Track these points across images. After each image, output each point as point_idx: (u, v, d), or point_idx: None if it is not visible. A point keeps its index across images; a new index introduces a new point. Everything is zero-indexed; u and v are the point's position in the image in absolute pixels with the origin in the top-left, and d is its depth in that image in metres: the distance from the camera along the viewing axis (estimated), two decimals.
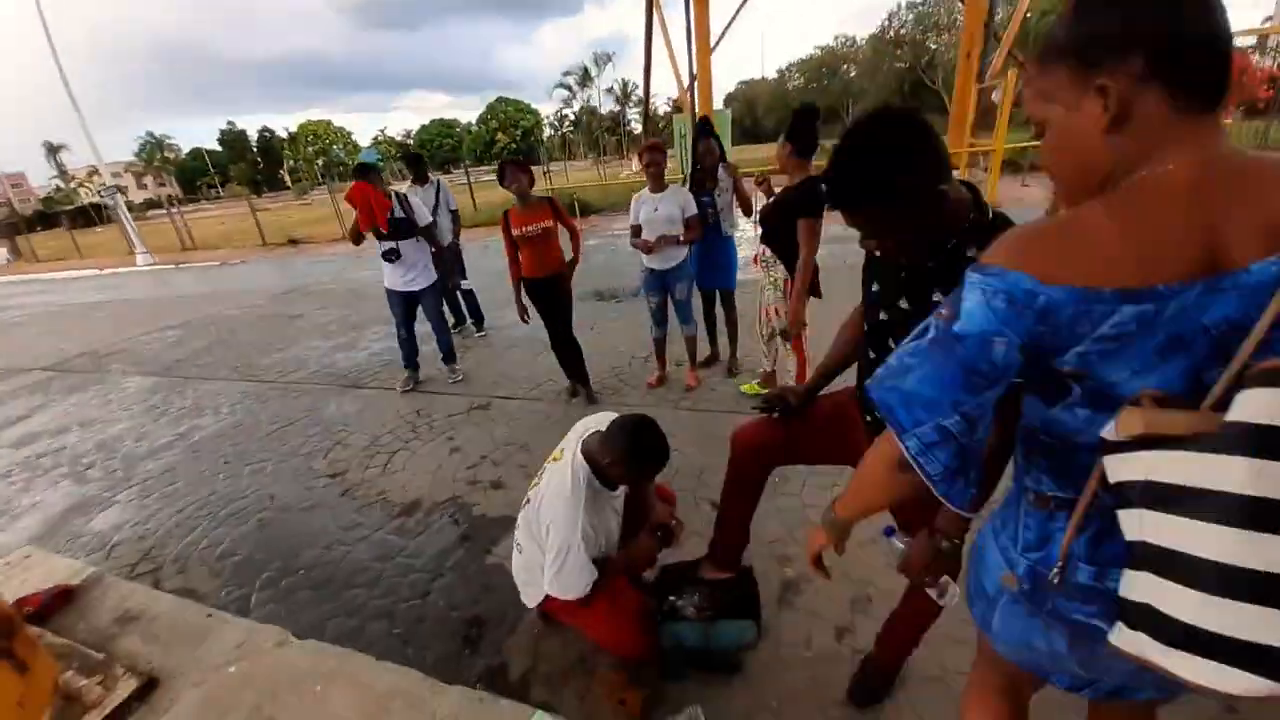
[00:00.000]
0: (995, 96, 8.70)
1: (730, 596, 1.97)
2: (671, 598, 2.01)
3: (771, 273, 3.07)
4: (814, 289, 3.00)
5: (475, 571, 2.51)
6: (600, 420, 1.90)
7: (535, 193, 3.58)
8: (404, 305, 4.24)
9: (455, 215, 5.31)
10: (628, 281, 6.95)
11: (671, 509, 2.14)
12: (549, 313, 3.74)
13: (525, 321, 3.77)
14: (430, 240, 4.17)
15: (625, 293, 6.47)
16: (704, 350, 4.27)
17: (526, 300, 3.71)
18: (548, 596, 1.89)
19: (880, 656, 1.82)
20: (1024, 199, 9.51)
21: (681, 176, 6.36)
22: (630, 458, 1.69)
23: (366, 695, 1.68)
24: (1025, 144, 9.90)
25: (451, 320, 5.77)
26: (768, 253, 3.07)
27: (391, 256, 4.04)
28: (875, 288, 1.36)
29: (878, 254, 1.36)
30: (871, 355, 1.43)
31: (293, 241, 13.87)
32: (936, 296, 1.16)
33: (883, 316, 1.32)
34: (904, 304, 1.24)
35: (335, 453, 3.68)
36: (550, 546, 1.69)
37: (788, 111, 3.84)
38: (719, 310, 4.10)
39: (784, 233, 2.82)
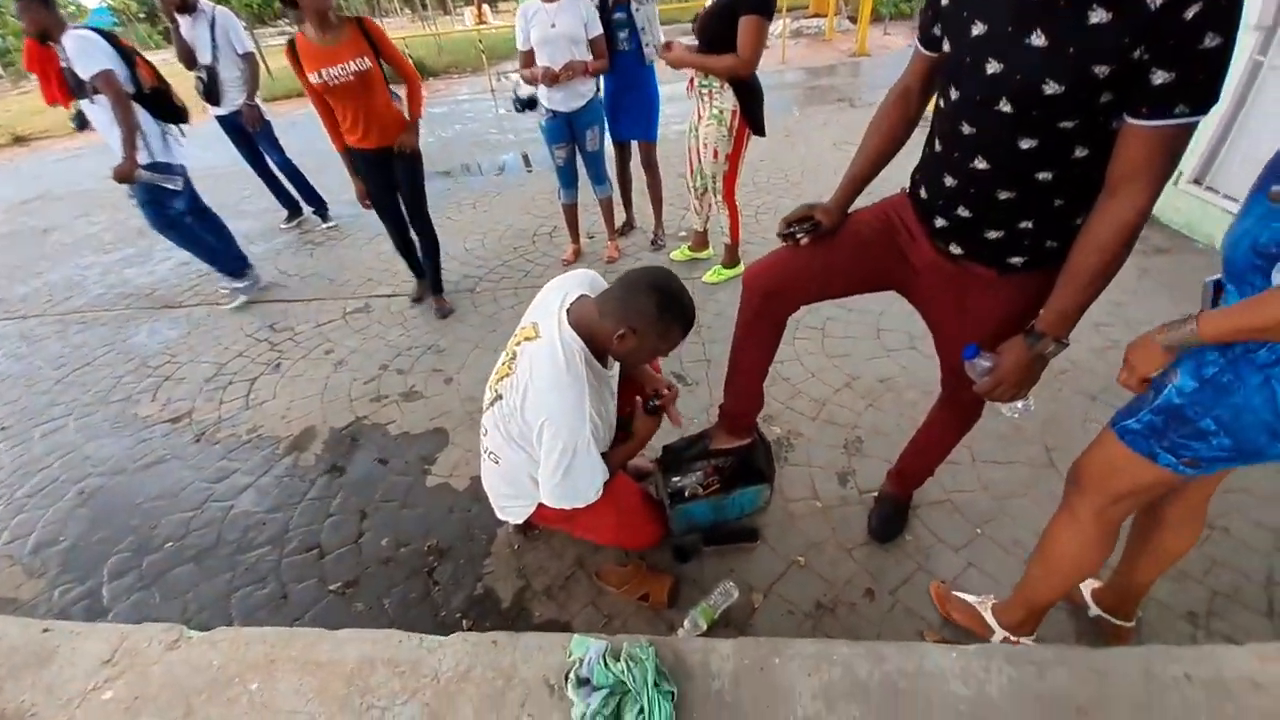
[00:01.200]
0: None
1: (739, 463, 1.77)
2: (675, 479, 1.77)
3: (715, 103, 2.60)
4: (755, 122, 2.62)
5: (416, 498, 2.06)
6: (579, 281, 1.47)
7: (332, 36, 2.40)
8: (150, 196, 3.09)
9: (250, 63, 3.92)
10: (494, 151, 6.01)
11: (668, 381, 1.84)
12: (390, 195, 2.82)
13: (367, 206, 2.83)
14: (118, 104, 2.80)
15: (492, 166, 5.59)
16: (620, 217, 3.79)
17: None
18: (539, 508, 1.54)
19: (896, 490, 1.77)
20: (889, 46, 9.65)
21: None
22: (665, 322, 1.30)
23: (331, 677, 1.27)
24: None
25: (285, 215, 4.62)
26: (706, 76, 2.58)
27: (88, 125, 2.96)
28: (979, 28, 0.99)
29: None
30: (940, 146, 1.14)
31: (18, 139, 10.38)
32: (1097, 18, 0.84)
33: (992, 70, 0.97)
34: (1039, 39, 0.91)
35: (166, 390, 2.82)
36: (549, 449, 1.31)
37: None
38: (635, 169, 3.52)
39: (726, 45, 2.35)
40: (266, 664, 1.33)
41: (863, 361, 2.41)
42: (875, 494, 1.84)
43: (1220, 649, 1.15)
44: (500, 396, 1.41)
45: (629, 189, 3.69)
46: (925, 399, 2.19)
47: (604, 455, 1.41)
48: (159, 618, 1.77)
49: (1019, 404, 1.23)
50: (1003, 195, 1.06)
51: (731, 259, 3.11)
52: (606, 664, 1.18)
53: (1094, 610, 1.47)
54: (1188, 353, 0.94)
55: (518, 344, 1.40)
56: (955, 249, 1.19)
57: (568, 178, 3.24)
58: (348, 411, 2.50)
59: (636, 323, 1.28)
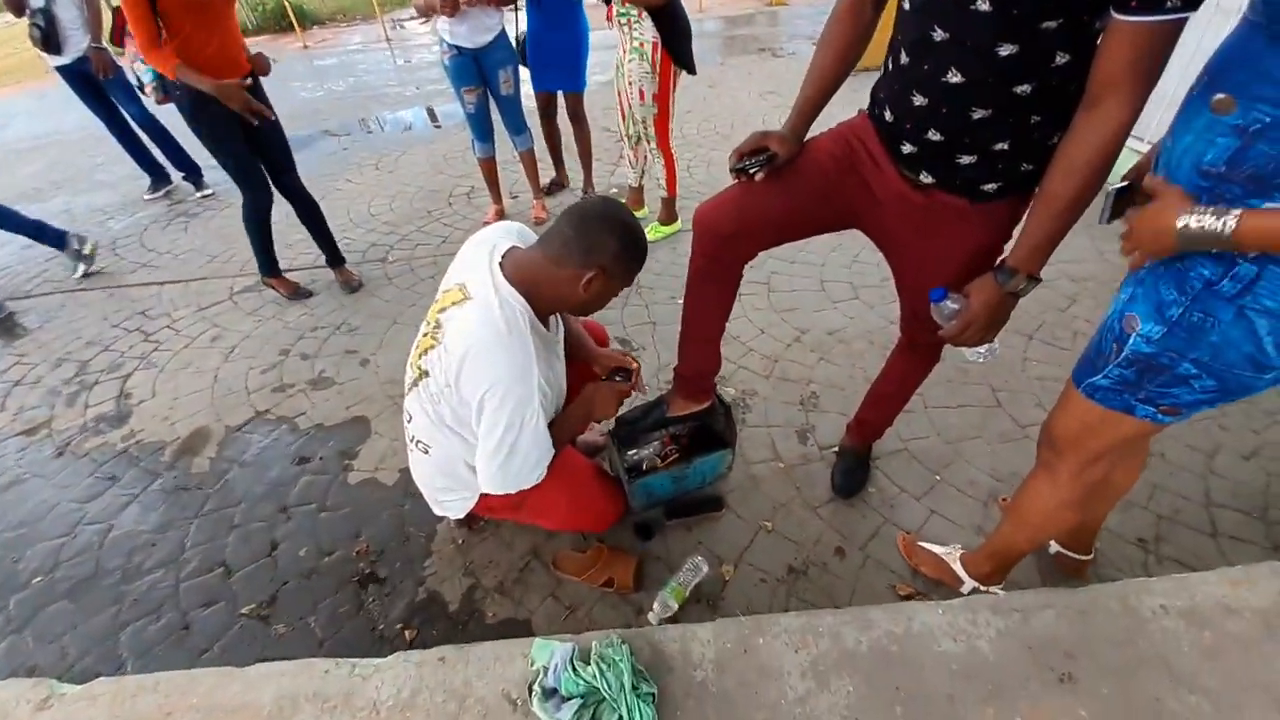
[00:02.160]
0: None
1: (698, 430, 1.66)
2: (631, 453, 1.63)
3: (635, 34, 2.37)
4: (680, 57, 2.42)
5: (338, 498, 1.81)
6: (505, 232, 1.28)
7: None
8: None
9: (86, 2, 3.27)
10: (394, 106, 5.45)
11: (622, 350, 1.68)
12: (248, 149, 2.34)
13: (253, 120, 2.24)
14: None
15: (394, 123, 5.07)
16: (547, 175, 3.51)
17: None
18: (482, 498, 1.36)
19: (856, 443, 1.72)
20: None
21: None
22: (628, 255, 1.17)
23: None
24: None
25: (149, 184, 3.98)
26: (623, 3, 2.34)
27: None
28: None
29: None
30: (906, 59, 1.01)
31: None
32: None
33: None
34: None
35: (17, 398, 2.36)
36: (490, 426, 1.12)
37: None
38: (564, 125, 3.25)
39: None
40: (160, 715, 1.10)
41: (810, 314, 2.35)
42: (836, 449, 1.79)
43: (1192, 577, 1.16)
44: (426, 374, 1.21)
45: (558, 145, 3.41)
46: (872, 349, 2.17)
47: (550, 427, 1.24)
48: (35, 667, 1.47)
49: (983, 348, 1.16)
50: (978, 114, 0.96)
51: (669, 215, 2.95)
52: (575, 669, 1.05)
53: (1054, 547, 1.48)
54: (1140, 292, 0.85)
55: (441, 311, 1.19)
56: (926, 177, 1.08)
57: (481, 127, 2.92)
58: (246, 406, 2.18)
59: (604, 260, 1.12)
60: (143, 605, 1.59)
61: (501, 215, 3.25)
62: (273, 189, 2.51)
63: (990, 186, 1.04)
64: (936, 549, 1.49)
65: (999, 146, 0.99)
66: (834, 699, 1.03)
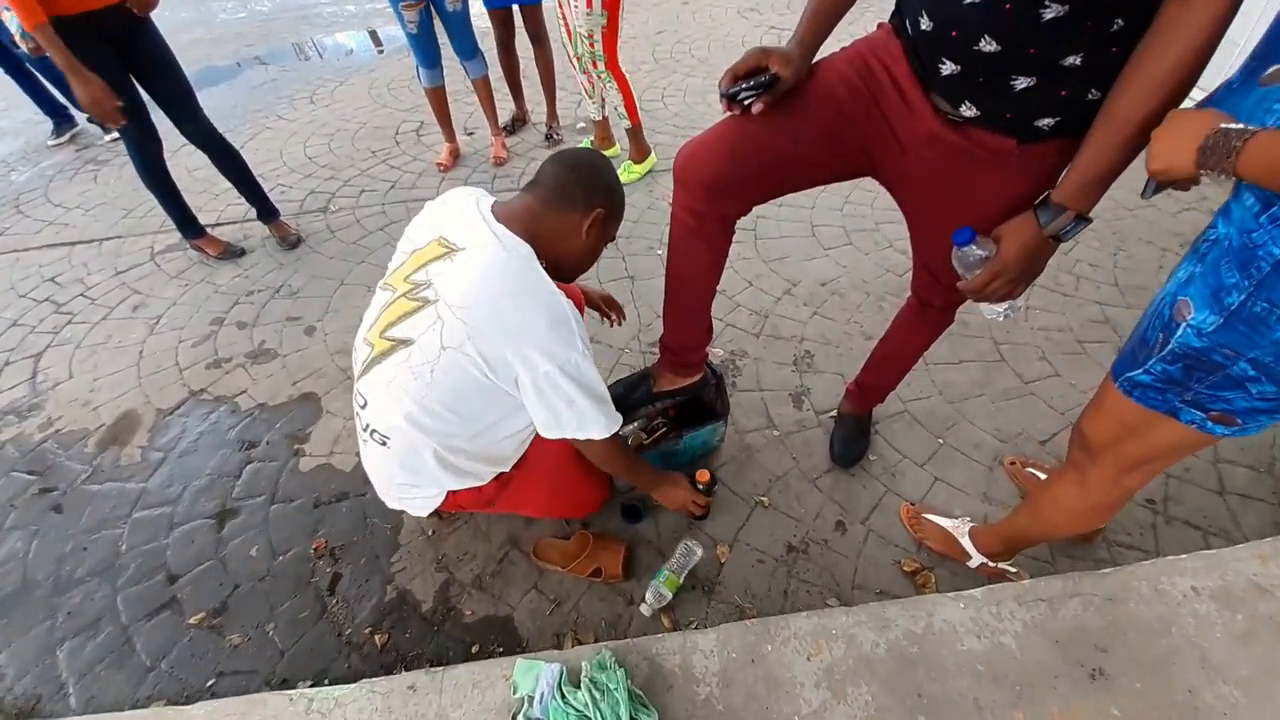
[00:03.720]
0: None
1: (688, 403, 1.51)
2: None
3: None
4: None
5: (290, 488, 1.63)
6: (467, 193, 1.07)
7: None
8: None
9: None
10: (329, 28, 4.85)
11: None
12: (131, 91, 1.98)
13: (120, 120, 1.90)
14: None
15: (331, 48, 4.51)
16: (507, 111, 3.15)
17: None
18: (450, 494, 1.21)
19: (856, 409, 1.60)
20: None
21: None
22: (619, 198, 1.12)
23: None
24: None
25: (52, 127, 3.49)
26: None
27: None
28: None
29: None
30: None
31: None
32: None
33: None
34: None
35: None
36: (549, 389, 0.98)
37: None
38: (525, 51, 2.88)
39: None
40: None
41: (801, 263, 2.17)
42: (833, 414, 1.67)
43: (1222, 554, 1.09)
44: (403, 343, 1.01)
45: (517, 75, 3.03)
46: (869, 301, 2.02)
47: None
48: None
49: (1004, 305, 0.98)
50: (1050, 11, 0.74)
51: (640, 149, 2.67)
52: (564, 697, 0.93)
53: None
54: (1199, 272, 0.71)
55: (416, 271, 1.01)
56: (968, 109, 0.87)
57: (426, 50, 2.55)
58: (178, 385, 1.94)
59: (604, 201, 1.05)
60: (79, 619, 1.42)
61: (456, 155, 2.92)
62: (159, 136, 2.15)
63: (1046, 122, 0.84)
64: (943, 521, 1.40)
65: (1069, 61, 0.77)
66: (852, 711, 0.94)
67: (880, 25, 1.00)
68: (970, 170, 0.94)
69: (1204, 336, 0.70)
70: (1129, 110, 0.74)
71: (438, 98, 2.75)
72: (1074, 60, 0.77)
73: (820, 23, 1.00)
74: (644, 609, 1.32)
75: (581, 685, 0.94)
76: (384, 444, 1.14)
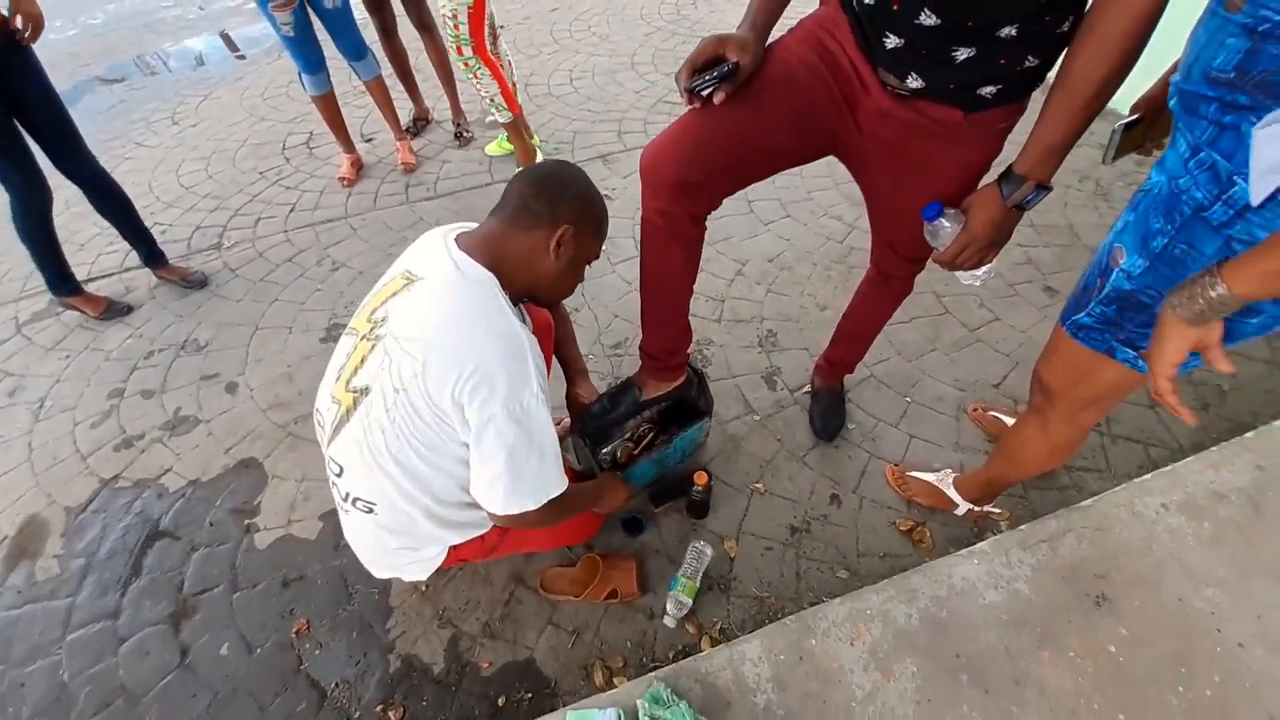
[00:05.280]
0: None
1: (673, 406, 1.48)
2: (604, 451, 1.43)
3: None
4: None
5: (249, 570, 1.47)
6: (447, 227, 0.99)
7: None
8: None
9: None
10: (179, 35, 4.26)
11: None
12: (5, 123, 1.68)
13: None
14: None
15: (183, 57, 3.98)
16: (406, 111, 2.90)
17: None
18: (452, 549, 1.13)
19: (828, 382, 1.64)
20: None
21: None
22: (595, 213, 1.02)
23: None
24: None
25: None
26: None
27: None
28: None
29: None
30: None
31: None
32: None
33: None
34: None
35: None
36: (481, 424, 0.87)
37: None
38: (404, 40, 2.64)
39: None
40: None
41: (745, 242, 2.18)
42: (807, 390, 1.70)
43: (1178, 468, 1.21)
44: (364, 392, 0.92)
45: (408, 67, 2.78)
46: (817, 271, 2.07)
47: None
48: None
49: (981, 270, 1.05)
50: None
51: (525, 151, 2.47)
52: None
53: None
54: (1132, 221, 0.78)
55: (378, 309, 0.94)
56: (914, 81, 0.89)
57: (307, 55, 2.28)
58: (85, 476, 1.68)
59: (570, 215, 0.95)
60: None
61: (359, 166, 2.68)
62: (47, 183, 1.84)
63: (988, 90, 0.88)
64: (927, 476, 1.47)
65: (1005, 32, 0.80)
66: (902, 685, 0.97)
67: (824, 1, 1.00)
68: (923, 144, 0.97)
69: (1133, 279, 0.77)
70: (1084, 75, 0.77)
71: (327, 105, 2.50)
72: (1009, 31, 0.79)
73: (771, 5, 0.99)
74: (668, 621, 1.30)
75: None
76: (370, 511, 1.04)
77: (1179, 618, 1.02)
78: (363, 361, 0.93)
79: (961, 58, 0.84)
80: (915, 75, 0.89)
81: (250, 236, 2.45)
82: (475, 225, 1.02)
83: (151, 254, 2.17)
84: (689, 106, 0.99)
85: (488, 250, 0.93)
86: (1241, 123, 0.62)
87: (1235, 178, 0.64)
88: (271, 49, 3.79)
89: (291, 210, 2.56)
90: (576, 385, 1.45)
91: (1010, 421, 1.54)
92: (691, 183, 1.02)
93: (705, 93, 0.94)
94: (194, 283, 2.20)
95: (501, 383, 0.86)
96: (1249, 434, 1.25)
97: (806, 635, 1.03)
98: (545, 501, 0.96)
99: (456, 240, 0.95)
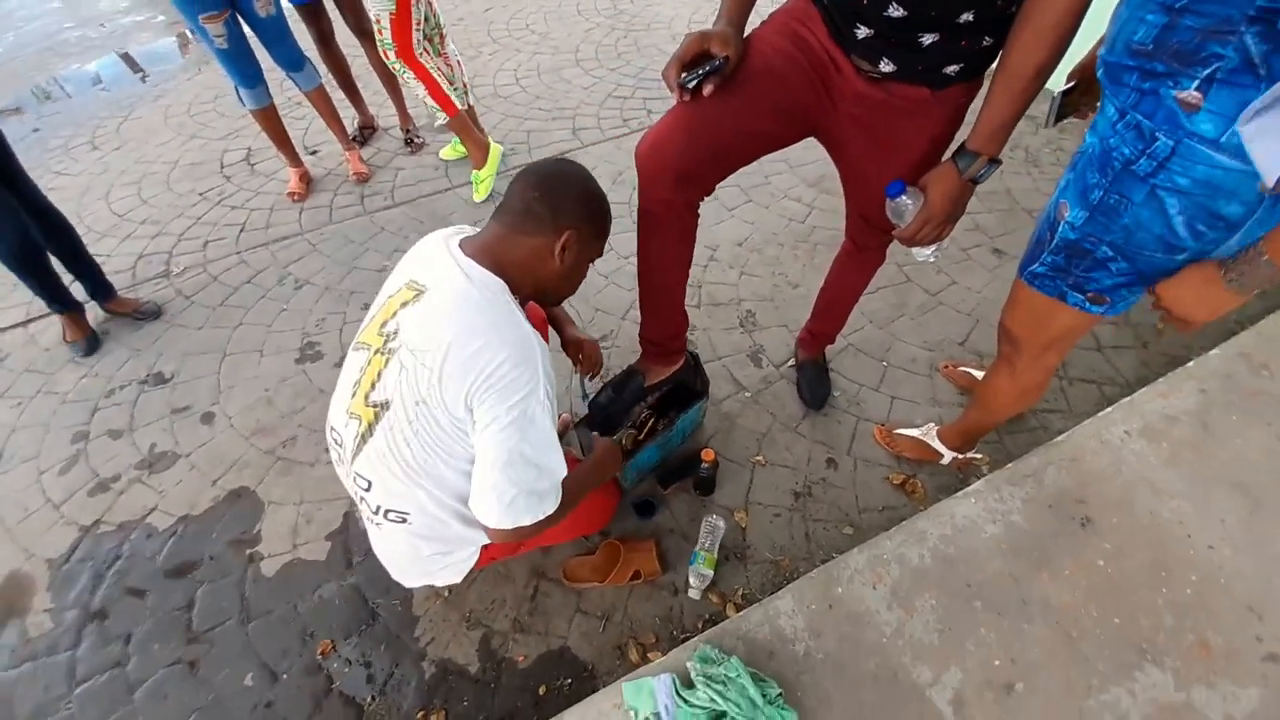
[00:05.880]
0: None
1: (672, 390, 1.53)
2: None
3: None
4: None
5: (261, 599, 1.43)
6: (448, 231, 0.99)
7: None
8: None
9: None
10: (83, 57, 3.96)
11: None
12: None
13: None
14: None
15: (87, 80, 3.71)
16: (350, 119, 2.79)
17: None
18: (483, 548, 1.14)
19: (812, 354, 1.73)
20: None
21: None
22: (598, 214, 1.03)
23: None
24: None
25: None
26: None
27: None
28: None
29: None
30: None
31: None
32: None
33: None
34: None
35: None
36: (487, 423, 0.88)
37: None
38: (343, 47, 2.57)
39: None
40: None
41: (713, 228, 2.25)
42: (792, 364, 1.79)
43: (1134, 399, 1.35)
44: (384, 406, 0.93)
45: (347, 73, 2.69)
46: (784, 251, 2.16)
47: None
48: None
49: (932, 247, 1.12)
50: None
51: (479, 153, 2.43)
52: (686, 700, 0.95)
53: None
54: (1072, 178, 0.89)
55: (387, 321, 0.95)
56: (886, 65, 0.98)
57: (242, 67, 2.19)
58: (62, 525, 1.58)
59: (575, 220, 0.96)
60: None
61: (307, 180, 2.59)
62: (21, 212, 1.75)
63: (952, 69, 0.97)
64: (911, 432, 1.58)
65: (964, 18, 0.89)
66: (924, 618, 1.06)
67: None
68: (894, 121, 1.05)
69: (1076, 229, 0.88)
70: (1022, 62, 0.86)
71: (269, 120, 2.40)
72: (968, 17, 0.89)
73: (743, 1, 1.05)
74: (692, 593, 1.36)
75: (696, 684, 0.96)
76: (403, 521, 1.04)
77: (1153, 530, 1.15)
78: (379, 376, 0.94)
79: (928, 42, 0.92)
80: (887, 60, 0.97)
81: (201, 261, 2.33)
82: (474, 229, 1.03)
83: (97, 287, 2.04)
84: (679, 100, 1.04)
85: (493, 255, 0.95)
86: (1160, 87, 0.71)
87: (1156, 134, 0.74)
88: (185, 64, 3.59)
89: (242, 230, 2.45)
90: (567, 332, 1.42)
91: (979, 375, 1.67)
92: (689, 171, 1.08)
93: (693, 86, 0.99)
94: (147, 314, 2.09)
95: (510, 388, 0.87)
96: (1189, 363, 1.41)
97: (832, 585, 1.11)
98: (541, 518, 0.96)
99: (461, 246, 0.96)
